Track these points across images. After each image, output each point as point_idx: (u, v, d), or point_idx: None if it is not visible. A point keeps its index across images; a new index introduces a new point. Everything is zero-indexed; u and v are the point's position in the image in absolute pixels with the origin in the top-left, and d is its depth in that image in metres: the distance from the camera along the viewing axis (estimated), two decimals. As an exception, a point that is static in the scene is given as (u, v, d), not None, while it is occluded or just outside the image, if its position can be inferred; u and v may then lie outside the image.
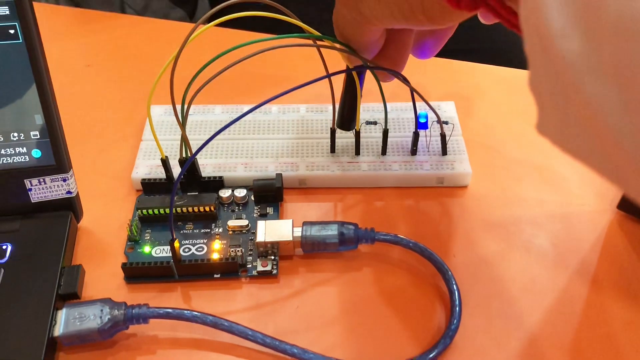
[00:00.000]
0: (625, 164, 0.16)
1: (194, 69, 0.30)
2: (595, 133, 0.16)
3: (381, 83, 0.33)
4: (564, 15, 0.15)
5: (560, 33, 0.15)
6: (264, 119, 0.39)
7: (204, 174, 0.35)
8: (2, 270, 0.30)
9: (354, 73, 0.33)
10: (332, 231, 0.32)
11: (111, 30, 0.49)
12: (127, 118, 0.41)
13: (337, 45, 0.32)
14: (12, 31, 0.29)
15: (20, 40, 0.29)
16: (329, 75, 0.32)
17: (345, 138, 0.37)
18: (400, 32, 0.31)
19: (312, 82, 0.30)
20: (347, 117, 0.35)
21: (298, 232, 0.32)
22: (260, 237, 0.32)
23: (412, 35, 0.31)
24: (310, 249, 0.32)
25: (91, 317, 0.29)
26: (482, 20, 0.28)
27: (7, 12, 0.28)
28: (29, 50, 0.29)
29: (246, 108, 0.40)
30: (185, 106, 0.31)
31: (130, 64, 0.46)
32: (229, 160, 0.37)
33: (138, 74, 0.45)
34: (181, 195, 0.35)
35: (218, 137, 0.29)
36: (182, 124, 0.32)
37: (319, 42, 0.33)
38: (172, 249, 0.31)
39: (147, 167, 0.36)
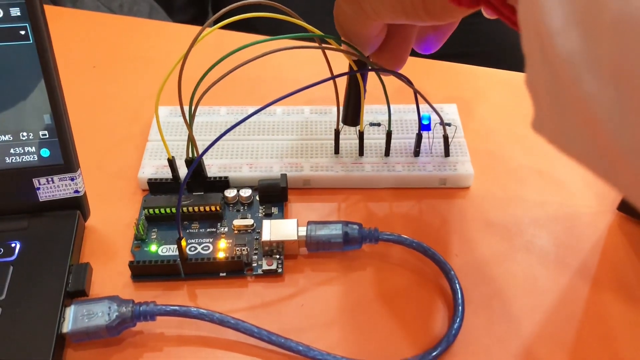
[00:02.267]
0: (621, 164, 0.16)
1: (199, 70, 0.31)
2: (592, 132, 0.16)
3: (385, 84, 0.34)
4: (563, 12, 0.15)
5: (559, 30, 0.15)
6: (269, 120, 0.39)
7: (209, 174, 0.36)
8: (12, 268, 0.31)
9: (358, 74, 0.33)
10: (336, 231, 0.32)
11: (116, 32, 0.50)
12: (132, 119, 0.41)
13: (343, 47, 0.32)
14: (22, 32, 0.29)
15: (31, 41, 0.29)
16: (333, 77, 0.33)
17: (349, 139, 0.38)
18: (402, 27, 0.31)
19: (316, 84, 0.30)
20: (351, 112, 0.35)
21: (303, 231, 0.33)
22: (266, 236, 0.32)
23: (414, 30, 0.31)
24: (315, 248, 0.33)
25: (99, 314, 0.29)
26: (485, 15, 0.28)
27: (19, 13, 0.29)
28: (39, 51, 0.29)
29: (251, 109, 0.40)
30: (193, 107, 0.32)
31: (135, 66, 0.46)
32: (234, 160, 0.37)
33: (143, 75, 0.45)
34: (187, 195, 0.35)
35: (223, 137, 0.29)
36: (189, 125, 0.32)
37: (323, 44, 0.33)
38: (179, 247, 0.31)
39: (153, 167, 0.37)
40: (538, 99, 0.18)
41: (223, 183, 0.36)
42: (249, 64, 0.30)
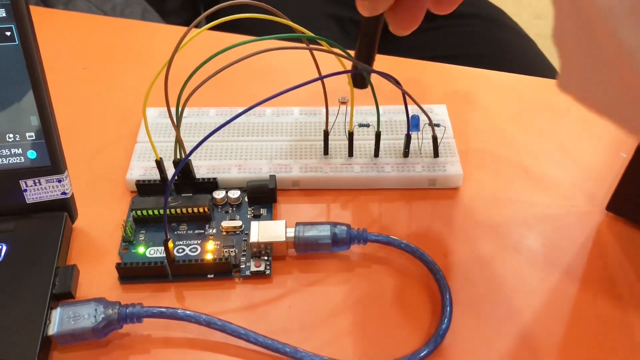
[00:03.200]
0: None
1: (189, 72, 0.31)
2: (629, 83, 0.15)
3: (373, 85, 0.34)
4: None
5: None
6: (258, 121, 0.39)
7: (198, 176, 0.36)
8: (-3, 270, 0.31)
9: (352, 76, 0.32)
10: (324, 232, 0.32)
11: (107, 34, 0.50)
12: (122, 120, 0.41)
13: (336, 50, 0.32)
14: (8, 33, 0.29)
15: (17, 42, 0.29)
16: (321, 78, 0.32)
17: (338, 140, 0.38)
18: None
19: (304, 85, 0.30)
20: (367, 56, 0.32)
21: (291, 232, 0.33)
22: (254, 238, 0.32)
23: None
24: (303, 250, 0.33)
25: (85, 316, 0.29)
26: None
27: (4, 14, 0.28)
28: (25, 52, 0.29)
29: (240, 110, 0.40)
30: (180, 108, 0.32)
31: (126, 67, 0.46)
32: (223, 161, 0.37)
33: (133, 77, 0.45)
34: (175, 197, 0.35)
35: (212, 139, 0.29)
36: (177, 126, 0.32)
37: (311, 44, 0.33)
38: (166, 249, 0.31)
39: (142, 168, 0.37)
40: (566, 54, 0.17)
41: (212, 184, 0.36)
42: (239, 65, 0.30)
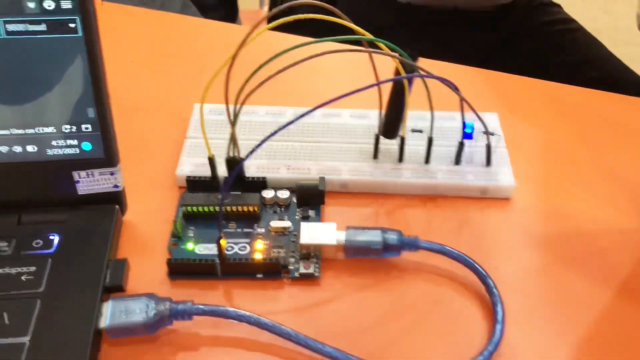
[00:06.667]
0: None
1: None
2: None
3: (430, 92, 0.33)
4: None
5: None
6: (308, 122, 0.39)
7: (247, 174, 0.36)
8: (50, 260, 0.31)
9: (405, 81, 0.33)
10: (376, 237, 0.32)
11: (152, 28, 0.50)
12: (169, 115, 0.41)
13: (397, 55, 0.31)
14: (72, 25, 0.29)
15: (80, 34, 0.29)
16: (379, 83, 0.32)
17: (388, 144, 0.38)
18: None
19: (363, 90, 0.30)
20: (392, 125, 0.35)
21: (341, 236, 0.32)
22: (304, 239, 0.32)
23: None
24: (353, 254, 0.32)
25: (137, 311, 0.29)
26: None
27: (70, 6, 0.28)
28: (88, 45, 0.29)
29: (289, 110, 0.40)
30: (238, 106, 0.32)
31: (171, 62, 0.46)
32: (272, 161, 0.37)
33: (177, 71, 0.45)
34: (224, 194, 0.35)
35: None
36: (233, 124, 0.32)
37: (371, 47, 0.33)
38: (219, 246, 0.31)
39: (192, 164, 0.36)
40: None
41: (261, 184, 0.36)
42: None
